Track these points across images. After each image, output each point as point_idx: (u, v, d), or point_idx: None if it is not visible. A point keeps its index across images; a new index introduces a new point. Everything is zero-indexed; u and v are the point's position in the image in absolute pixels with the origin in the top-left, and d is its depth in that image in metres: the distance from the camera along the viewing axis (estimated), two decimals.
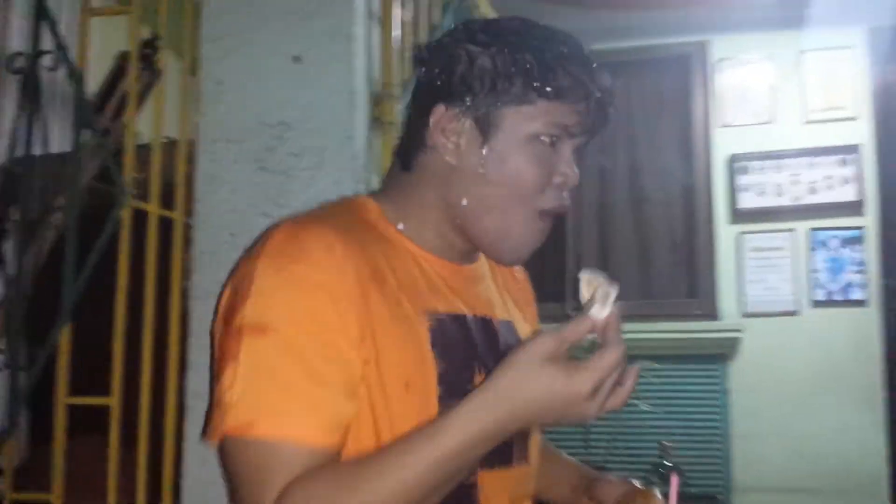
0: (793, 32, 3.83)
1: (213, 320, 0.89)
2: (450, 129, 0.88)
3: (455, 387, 0.85)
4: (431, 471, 0.74)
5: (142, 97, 1.63)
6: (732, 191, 3.91)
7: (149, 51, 1.63)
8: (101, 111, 1.72)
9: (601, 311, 0.78)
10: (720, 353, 3.82)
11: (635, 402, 3.49)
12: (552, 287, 3.95)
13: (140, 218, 1.60)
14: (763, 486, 3.69)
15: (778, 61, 3.96)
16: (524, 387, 0.74)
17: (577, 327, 0.77)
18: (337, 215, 0.90)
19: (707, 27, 3.96)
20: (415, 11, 1.95)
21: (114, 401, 1.44)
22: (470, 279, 0.96)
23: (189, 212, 1.61)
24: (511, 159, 0.87)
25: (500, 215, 0.88)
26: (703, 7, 3.77)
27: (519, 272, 1.12)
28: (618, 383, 0.79)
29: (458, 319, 0.90)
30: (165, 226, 1.63)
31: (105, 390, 1.46)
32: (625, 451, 3.63)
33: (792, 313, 3.81)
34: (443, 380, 0.85)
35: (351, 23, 1.62)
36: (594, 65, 0.89)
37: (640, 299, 4.03)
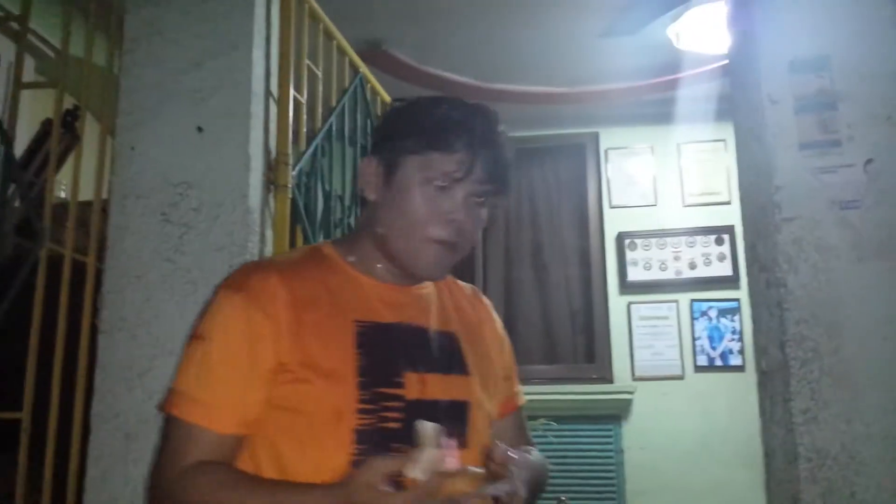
0: (671, 127, 4.30)
1: None
2: (368, 172, 1.12)
3: (379, 377, 1.06)
4: None
5: (63, 158, 1.88)
6: (622, 264, 4.29)
7: (70, 119, 1.88)
8: (25, 169, 1.95)
9: (419, 473, 0.89)
10: (614, 414, 4.09)
11: None
12: None
13: (55, 264, 1.82)
14: None
15: (659, 151, 4.43)
16: (349, 500, 0.92)
17: (398, 464, 0.92)
18: (295, 257, 1.17)
19: (598, 120, 4.43)
20: (311, 95, 2.28)
21: (25, 415, 1.62)
22: (411, 297, 1.15)
23: (101, 258, 1.83)
24: (405, 197, 1.08)
25: (403, 240, 1.09)
26: (593, 103, 4.21)
27: (477, 300, 1.30)
28: None
29: (387, 327, 1.10)
30: (79, 270, 1.84)
31: (15, 409, 1.64)
32: None
33: (678, 377, 4.13)
34: (364, 371, 1.05)
35: (247, 102, 1.92)
36: (476, 121, 1.09)
37: (542, 364, 4.30)
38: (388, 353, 1.09)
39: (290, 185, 2.03)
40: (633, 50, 3.68)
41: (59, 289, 1.82)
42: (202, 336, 1.05)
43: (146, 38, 2.00)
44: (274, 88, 2.06)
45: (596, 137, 4.52)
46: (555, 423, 3.77)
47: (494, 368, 1.24)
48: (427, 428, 0.92)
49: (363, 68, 2.68)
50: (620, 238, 4.32)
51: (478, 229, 1.14)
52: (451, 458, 0.92)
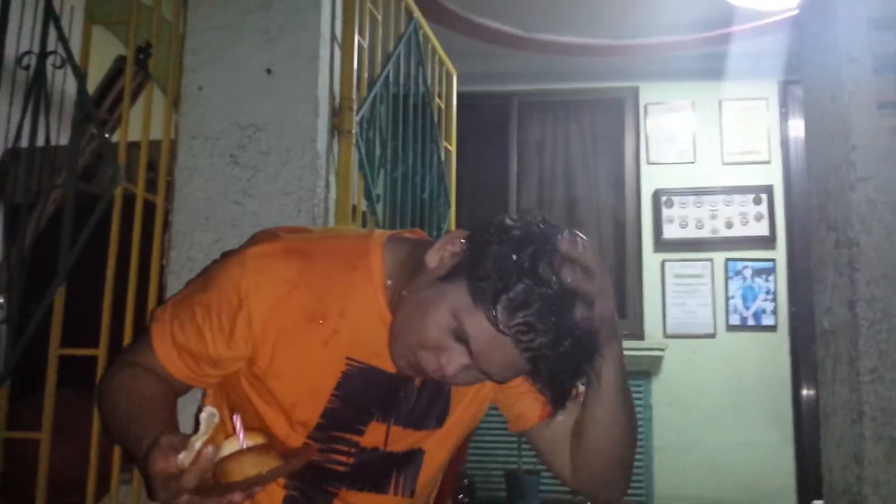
0: (713, 83, 4.25)
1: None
2: (442, 255, 0.97)
3: (340, 422, 1.04)
4: (117, 433, 1.03)
5: (135, 96, 1.88)
6: (658, 222, 4.27)
7: (143, 56, 1.88)
8: (98, 107, 1.96)
9: (186, 456, 0.84)
10: (645, 371, 4.13)
11: None
12: None
13: (126, 202, 1.83)
14: (680, 496, 3.97)
15: (700, 108, 4.37)
16: (145, 457, 0.89)
17: (169, 441, 0.88)
18: (333, 251, 1.07)
19: (638, 75, 4.36)
20: (371, 40, 2.25)
21: (101, 352, 1.65)
22: None
23: (170, 198, 1.85)
24: (428, 311, 0.94)
25: (397, 339, 0.98)
26: (634, 57, 4.15)
27: None
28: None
29: (376, 372, 1.03)
30: (148, 210, 1.86)
31: (87, 345, 1.68)
32: None
33: (709, 336, 4.15)
34: (327, 414, 1.03)
35: (316, 45, 1.90)
36: (536, 325, 0.88)
37: None
38: (362, 398, 1.04)
39: (353, 131, 2.03)
40: (683, 2, 3.61)
41: (126, 228, 1.84)
42: (207, 284, 1.06)
43: None
44: (338, 32, 2.04)
45: (636, 92, 4.46)
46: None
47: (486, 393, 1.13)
48: (211, 414, 0.87)
49: (417, 13, 2.64)
50: (657, 195, 4.29)
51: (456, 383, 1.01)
52: (235, 443, 0.87)
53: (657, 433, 4.07)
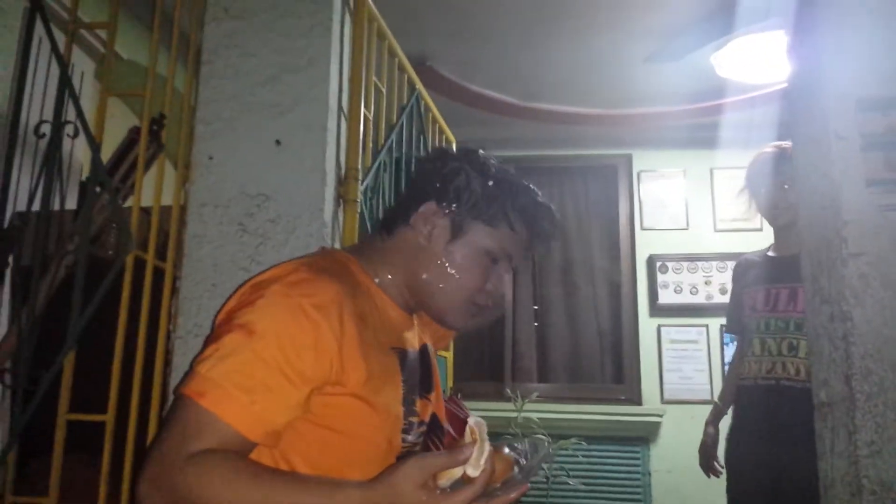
0: (705, 152, 4.36)
1: (216, 315, 1.11)
2: (431, 220, 1.14)
3: (409, 407, 1.10)
4: None
5: (147, 165, 1.93)
6: (653, 287, 4.31)
7: (156, 127, 1.94)
8: (111, 175, 2.01)
9: (475, 469, 0.87)
10: (643, 436, 4.11)
11: (566, 478, 3.73)
12: (492, 369, 4.25)
13: (133, 268, 1.86)
14: None
15: (691, 176, 4.47)
16: (404, 498, 0.88)
17: (444, 462, 0.89)
18: (334, 268, 1.11)
19: (631, 143, 4.48)
20: (376, 111, 2.33)
21: (109, 417, 1.66)
22: (412, 324, 1.21)
23: (178, 264, 1.88)
24: (465, 262, 1.13)
25: (445, 297, 1.14)
26: (628, 126, 4.26)
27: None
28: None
29: (408, 355, 1.15)
30: (157, 276, 1.89)
31: (93, 409, 1.69)
32: None
33: (707, 402, 4.14)
34: (404, 401, 1.09)
35: (325, 117, 1.97)
36: (551, 219, 1.19)
37: (570, 382, 4.33)
38: (411, 382, 1.13)
39: (358, 200, 2.08)
40: (675, 75, 3.73)
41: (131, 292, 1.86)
42: (252, 330, 0.97)
43: (224, 50, 2.05)
44: (345, 104, 2.11)
45: (629, 160, 4.57)
46: (584, 443, 3.79)
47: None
48: (481, 424, 0.91)
49: (419, 84, 2.73)
50: (651, 260, 4.35)
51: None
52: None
53: (657, 499, 4.03)
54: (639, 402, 4.20)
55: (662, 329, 4.25)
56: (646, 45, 3.50)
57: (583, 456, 3.85)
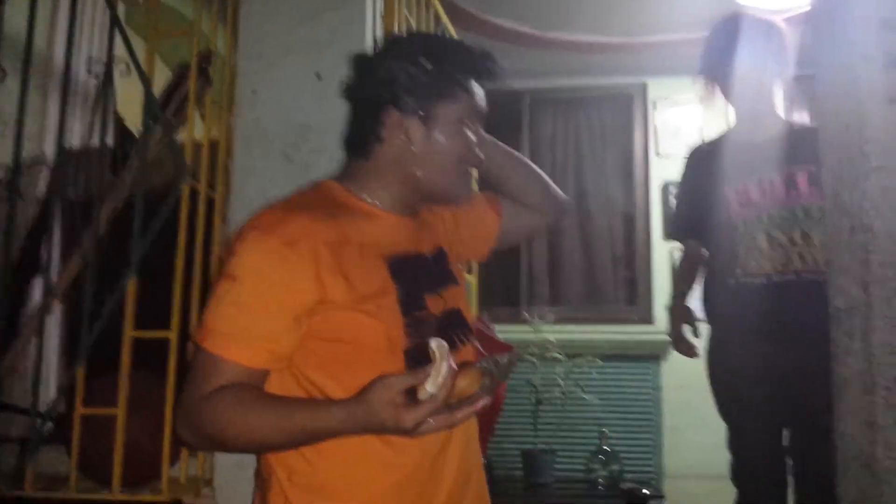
0: None
1: None
2: (400, 125, 1.18)
3: (412, 303, 1.16)
4: (289, 436, 1.05)
5: (197, 100, 2.01)
6: (668, 213, 4.39)
7: (204, 64, 2.01)
8: (163, 111, 2.08)
9: (433, 386, 0.96)
10: (654, 354, 4.26)
11: (582, 394, 3.90)
12: (507, 294, 4.38)
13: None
14: (689, 473, 4.09)
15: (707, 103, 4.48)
16: (371, 418, 0.99)
17: (406, 380, 0.99)
18: (312, 199, 1.19)
19: (646, 70, 4.49)
20: None
21: (173, 334, 1.79)
22: (416, 226, 1.26)
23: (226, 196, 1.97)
24: (448, 140, 1.19)
25: (446, 176, 1.21)
26: (643, 53, 4.27)
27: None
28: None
29: (406, 257, 1.20)
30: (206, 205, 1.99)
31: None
32: (569, 437, 4.03)
33: None
34: (402, 299, 1.15)
35: (363, 50, 2.03)
36: (488, 58, 1.23)
37: (584, 304, 4.47)
38: (412, 280, 1.18)
39: None
40: (693, 2, 3.73)
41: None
42: (234, 276, 1.08)
43: None
44: (379, 38, 2.16)
45: (644, 88, 4.59)
46: (599, 361, 3.95)
47: (464, 241, 1.38)
48: (442, 344, 0.98)
49: (444, 18, 2.77)
50: (667, 187, 4.42)
51: None
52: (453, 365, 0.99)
53: (667, 413, 4.21)
54: (651, 322, 4.33)
55: (676, 253, 4.34)
56: None
57: (597, 373, 3.99)
